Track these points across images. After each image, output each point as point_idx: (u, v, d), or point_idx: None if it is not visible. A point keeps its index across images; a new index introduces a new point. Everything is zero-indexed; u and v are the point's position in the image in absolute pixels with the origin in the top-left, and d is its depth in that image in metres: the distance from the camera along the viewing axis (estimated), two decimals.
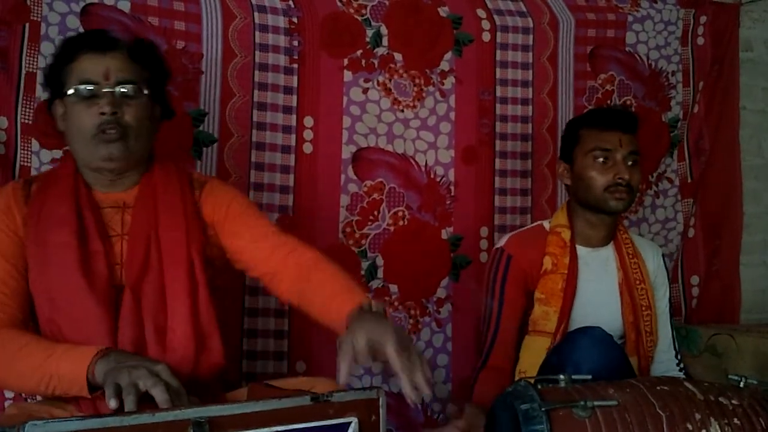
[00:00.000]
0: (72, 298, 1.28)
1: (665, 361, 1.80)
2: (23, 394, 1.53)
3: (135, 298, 1.31)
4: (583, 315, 1.71)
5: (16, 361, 1.22)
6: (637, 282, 1.77)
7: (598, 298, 1.75)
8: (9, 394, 1.65)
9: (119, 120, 1.31)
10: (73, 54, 1.34)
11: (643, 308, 1.75)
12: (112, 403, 1.02)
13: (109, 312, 1.28)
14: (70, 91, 1.31)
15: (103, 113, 1.29)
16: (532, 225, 1.87)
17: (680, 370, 1.78)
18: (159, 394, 1.04)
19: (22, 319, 1.31)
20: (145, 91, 1.37)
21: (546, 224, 1.82)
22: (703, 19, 2.39)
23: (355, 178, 2.03)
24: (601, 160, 1.70)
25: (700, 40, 2.40)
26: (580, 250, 1.77)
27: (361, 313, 1.17)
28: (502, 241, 1.80)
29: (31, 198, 1.35)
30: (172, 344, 1.31)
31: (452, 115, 2.12)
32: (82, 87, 1.31)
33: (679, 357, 1.81)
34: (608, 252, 1.80)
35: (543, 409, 1.16)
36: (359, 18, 2.04)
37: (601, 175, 1.70)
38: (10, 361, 1.22)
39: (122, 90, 1.32)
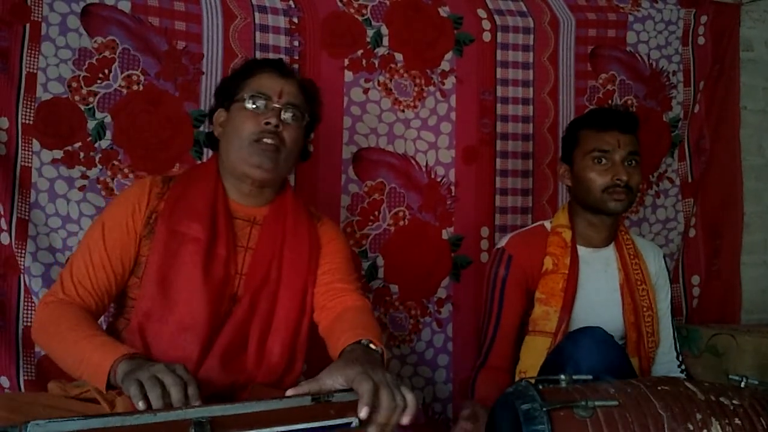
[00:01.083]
0: (185, 292, 1.33)
1: (667, 363, 1.79)
2: None
3: (250, 307, 1.36)
4: (584, 315, 1.70)
5: (63, 337, 1.25)
6: (639, 283, 1.76)
7: (599, 299, 1.74)
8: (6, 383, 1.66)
9: (279, 134, 1.39)
10: (254, 70, 1.46)
11: (645, 309, 1.75)
12: (141, 405, 1.02)
13: (215, 315, 1.33)
14: (244, 96, 1.41)
15: (268, 123, 1.38)
16: (533, 225, 1.87)
17: (681, 372, 1.78)
18: (175, 393, 1.05)
19: (95, 310, 1.35)
20: (305, 121, 1.47)
21: (547, 224, 1.82)
22: (703, 18, 2.39)
23: (355, 178, 2.03)
24: (599, 161, 1.70)
25: (701, 40, 2.40)
26: (581, 250, 1.77)
27: (352, 351, 1.17)
28: (503, 241, 1.80)
29: (169, 192, 1.41)
30: (269, 358, 1.37)
31: (453, 115, 2.12)
32: (255, 96, 1.41)
33: (680, 359, 1.81)
34: (609, 252, 1.80)
35: (544, 409, 1.16)
36: (360, 18, 2.04)
37: (600, 177, 1.69)
38: (60, 335, 1.26)
39: (289, 111, 1.43)
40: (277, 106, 1.41)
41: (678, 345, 1.83)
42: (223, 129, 1.46)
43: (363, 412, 0.99)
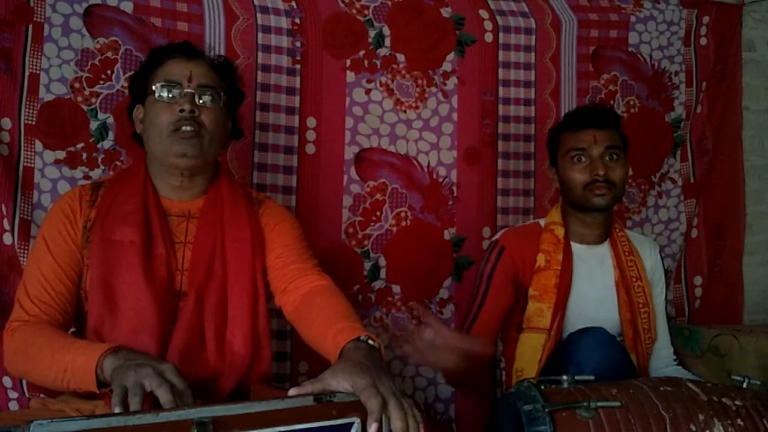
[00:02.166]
0: (131, 296, 1.31)
1: (664, 357, 1.81)
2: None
3: (197, 303, 1.35)
4: (580, 312, 1.71)
5: (40, 354, 1.24)
6: (634, 279, 1.77)
7: (593, 296, 1.75)
8: (13, 394, 1.66)
9: (196, 119, 1.37)
10: (160, 59, 1.42)
11: (641, 305, 1.75)
12: (117, 410, 1.01)
13: (164, 314, 1.32)
14: (154, 88, 1.38)
15: (182, 110, 1.36)
16: (528, 222, 1.89)
17: (677, 365, 1.80)
18: (163, 395, 1.05)
19: (63, 322, 1.33)
20: (222, 99, 1.43)
21: (542, 222, 1.83)
22: (705, 19, 2.39)
23: (357, 178, 2.03)
24: (577, 159, 1.71)
25: (703, 41, 2.40)
26: (576, 247, 1.78)
27: (355, 350, 1.16)
28: (497, 235, 1.81)
29: (100, 199, 1.40)
30: (231, 349, 1.35)
31: (454, 115, 2.12)
32: (165, 86, 1.38)
33: (675, 354, 1.83)
34: (604, 250, 1.80)
35: (546, 410, 1.16)
36: (362, 19, 2.04)
37: (580, 174, 1.70)
38: (36, 354, 1.25)
39: (202, 94, 1.40)
40: (190, 90, 1.38)
41: (671, 339, 1.84)
42: (143, 125, 1.44)
43: (372, 429, 0.99)
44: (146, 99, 1.42)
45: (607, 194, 1.69)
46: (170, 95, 1.38)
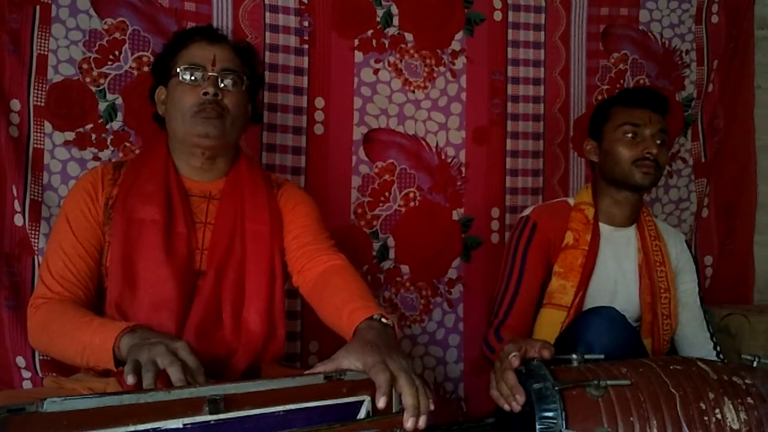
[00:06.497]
0: (151, 273, 1.33)
1: (700, 342, 1.77)
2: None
3: (216, 282, 1.37)
4: (601, 292, 1.70)
5: (60, 332, 1.27)
6: (658, 264, 1.76)
7: (616, 277, 1.74)
8: (26, 374, 1.68)
9: (219, 102, 1.39)
10: (184, 42, 1.44)
11: (662, 290, 1.74)
12: (130, 379, 1.03)
13: (184, 291, 1.34)
14: (178, 70, 1.41)
15: (206, 93, 1.38)
16: (556, 200, 1.87)
17: (717, 354, 1.75)
18: (174, 373, 1.06)
19: (84, 299, 1.36)
20: (245, 84, 1.46)
21: (570, 201, 1.82)
22: None
23: (366, 159, 2.02)
24: (630, 135, 1.72)
25: (715, 18, 2.37)
26: (603, 228, 1.77)
27: (368, 329, 1.16)
28: (527, 211, 1.79)
29: (122, 178, 1.42)
30: (247, 327, 1.37)
31: (463, 95, 2.11)
32: (189, 69, 1.40)
33: (714, 339, 1.79)
34: (631, 233, 1.80)
35: (556, 388, 1.16)
36: None
37: (629, 149, 1.71)
38: (57, 331, 1.27)
39: (225, 77, 1.42)
40: (213, 74, 1.40)
41: (711, 327, 1.81)
42: (165, 107, 1.46)
43: (381, 402, 1.00)
44: (169, 81, 1.44)
45: (651, 174, 1.70)
46: (193, 78, 1.40)
